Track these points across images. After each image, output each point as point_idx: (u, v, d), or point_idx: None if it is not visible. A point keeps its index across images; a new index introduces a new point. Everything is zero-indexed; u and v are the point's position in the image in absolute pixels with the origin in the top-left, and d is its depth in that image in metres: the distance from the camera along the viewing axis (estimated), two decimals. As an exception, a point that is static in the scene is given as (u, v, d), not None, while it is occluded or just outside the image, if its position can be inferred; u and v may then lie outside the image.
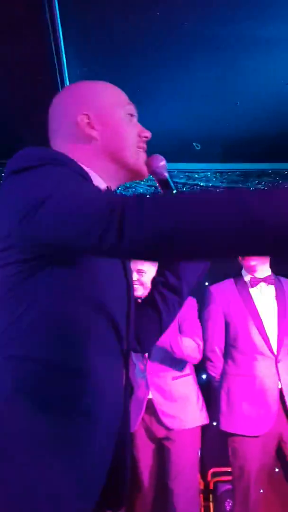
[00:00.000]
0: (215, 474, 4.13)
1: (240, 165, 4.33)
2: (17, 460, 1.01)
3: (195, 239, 0.98)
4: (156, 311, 1.48)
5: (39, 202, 1.07)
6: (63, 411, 1.09)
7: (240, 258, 3.18)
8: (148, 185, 3.86)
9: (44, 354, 1.11)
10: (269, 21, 2.73)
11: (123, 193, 4.32)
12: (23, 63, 2.90)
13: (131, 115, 1.38)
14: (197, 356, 3.15)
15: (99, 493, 1.15)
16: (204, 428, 3.23)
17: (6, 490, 1.00)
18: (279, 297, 3.14)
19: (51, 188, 1.08)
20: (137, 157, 1.36)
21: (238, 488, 2.97)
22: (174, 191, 1.42)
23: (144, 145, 1.39)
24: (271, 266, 3.22)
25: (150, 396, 3.16)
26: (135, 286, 2.96)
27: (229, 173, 4.37)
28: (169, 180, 1.42)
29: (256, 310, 3.10)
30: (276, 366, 2.99)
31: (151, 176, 1.42)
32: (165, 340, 3.04)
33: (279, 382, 2.97)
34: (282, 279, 3.25)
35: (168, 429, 3.09)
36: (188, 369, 3.20)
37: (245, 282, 3.20)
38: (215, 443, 3.61)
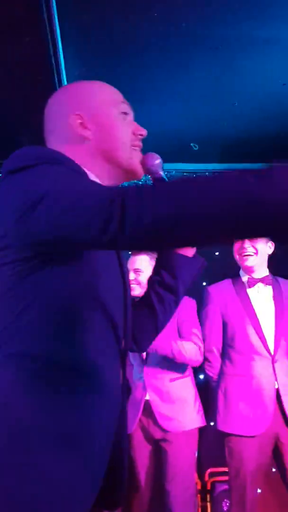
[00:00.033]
0: (212, 474, 4.13)
1: (238, 165, 4.33)
2: (17, 458, 1.02)
3: (196, 223, 0.98)
4: (152, 310, 1.49)
5: (37, 199, 1.07)
6: (63, 408, 1.09)
7: (238, 258, 3.18)
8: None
9: (44, 352, 1.12)
10: (267, 21, 2.74)
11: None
12: (20, 64, 2.91)
13: (125, 113, 1.36)
14: (198, 359, 3.13)
15: (97, 493, 1.15)
16: (201, 428, 3.22)
17: (6, 490, 1.00)
18: (277, 297, 3.14)
19: (48, 186, 1.09)
20: (131, 156, 1.35)
21: (234, 488, 2.98)
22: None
23: (140, 143, 1.38)
24: (269, 267, 3.22)
25: (147, 397, 3.14)
26: (132, 285, 2.96)
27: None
28: (165, 178, 1.41)
29: (254, 310, 3.10)
30: (273, 366, 2.99)
31: (147, 175, 1.41)
32: (166, 346, 3.03)
33: (275, 382, 2.97)
34: (280, 279, 3.25)
35: (165, 431, 3.07)
36: (186, 371, 3.18)
37: (243, 282, 3.20)
38: (213, 443, 3.61)
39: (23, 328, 1.13)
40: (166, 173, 1.42)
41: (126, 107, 1.37)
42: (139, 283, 3.12)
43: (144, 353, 3.16)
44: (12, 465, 1.01)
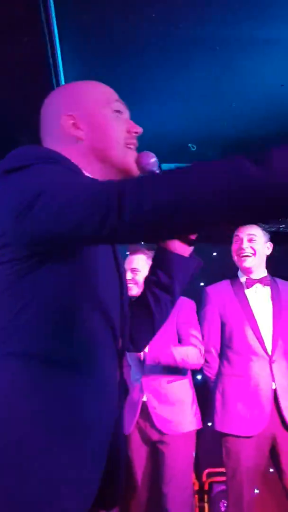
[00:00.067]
0: (210, 475, 4.13)
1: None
2: (17, 458, 1.02)
3: (196, 210, 0.99)
4: (149, 310, 1.48)
5: (34, 198, 1.07)
6: (63, 407, 1.09)
7: (236, 259, 3.18)
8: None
9: (43, 351, 1.12)
10: (266, 22, 2.74)
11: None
12: (19, 64, 2.90)
13: (119, 111, 1.35)
14: (200, 362, 3.11)
15: (96, 492, 1.15)
16: (199, 429, 3.20)
17: (6, 490, 1.00)
18: (275, 298, 3.14)
19: (44, 184, 1.09)
20: (125, 154, 1.33)
21: (232, 489, 2.97)
22: None
23: (135, 142, 1.36)
24: (267, 268, 3.22)
25: (144, 399, 3.12)
26: (129, 285, 2.94)
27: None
28: None
29: (251, 311, 3.10)
30: (271, 367, 2.99)
31: (142, 173, 1.39)
32: (168, 355, 3.01)
33: (273, 383, 2.97)
34: (278, 280, 3.25)
35: (162, 433, 3.05)
36: (184, 373, 3.16)
37: (241, 283, 3.20)
38: (211, 444, 3.61)
39: (21, 327, 1.13)
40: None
41: (119, 105, 1.36)
42: (136, 283, 3.11)
43: (142, 354, 3.14)
44: (12, 465, 1.01)
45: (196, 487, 3.98)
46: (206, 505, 4.01)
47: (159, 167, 1.38)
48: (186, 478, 3.07)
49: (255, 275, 3.16)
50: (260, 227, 3.18)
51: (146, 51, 2.92)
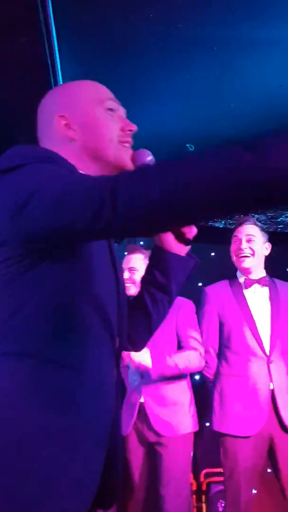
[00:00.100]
0: (207, 475, 4.13)
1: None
2: (16, 458, 1.02)
3: (190, 202, 0.99)
4: (146, 310, 1.48)
5: (28, 197, 1.08)
6: (59, 406, 1.09)
7: (235, 260, 3.18)
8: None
9: (40, 350, 1.12)
10: (265, 22, 2.74)
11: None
12: (16, 64, 2.90)
13: (111, 110, 1.35)
14: (201, 365, 3.09)
15: (95, 492, 1.15)
16: (196, 430, 3.20)
17: (6, 490, 1.00)
18: (273, 299, 3.14)
19: (39, 183, 1.10)
20: (119, 152, 1.32)
21: (229, 489, 2.97)
22: None
23: (129, 139, 1.35)
24: (265, 268, 3.22)
25: (142, 400, 3.09)
26: (126, 284, 2.94)
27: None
28: None
29: (250, 311, 3.10)
30: (268, 367, 2.99)
31: None
32: (171, 367, 2.98)
33: (270, 383, 2.98)
34: (277, 281, 3.25)
35: (159, 435, 3.03)
36: (182, 374, 3.11)
37: (240, 283, 3.20)
38: (208, 444, 3.61)
39: (18, 327, 1.13)
40: None
41: (113, 104, 1.35)
42: (133, 282, 3.10)
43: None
44: (11, 465, 1.02)
45: (194, 487, 3.98)
46: (204, 505, 4.01)
47: None
48: (183, 480, 3.04)
49: (253, 276, 3.16)
50: (259, 227, 3.18)
51: (145, 51, 2.92)
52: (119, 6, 2.59)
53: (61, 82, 3.04)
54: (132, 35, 2.79)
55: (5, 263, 1.14)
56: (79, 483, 1.08)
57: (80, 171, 1.28)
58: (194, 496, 3.89)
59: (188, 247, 1.46)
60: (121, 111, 1.37)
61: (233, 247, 3.18)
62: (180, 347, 3.12)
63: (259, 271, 3.18)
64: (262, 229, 3.22)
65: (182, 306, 3.15)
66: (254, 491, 3.18)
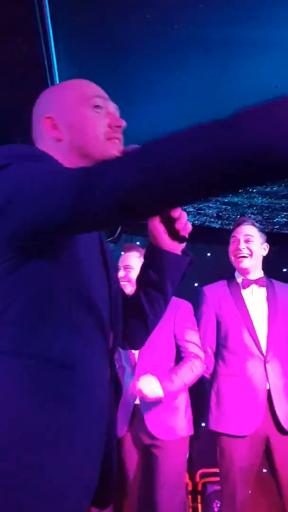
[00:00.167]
0: (203, 475, 4.14)
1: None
2: (11, 458, 1.02)
3: (166, 183, 0.98)
4: (142, 310, 1.47)
5: (12, 195, 1.09)
6: (53, 406, 1.09)
7: (233, 260, 3.18)
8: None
9: (32, 349, 1.12)
10: (259, 24, 2.75)
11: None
12: (13, 64, 2.90)
13: (98, 106, 1.34)
14: (203, 370, 3.05)
15: (94, 488, 1.15)
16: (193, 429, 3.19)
17: (3, 490, 1.00)
18: (270, 299, 3.15)
19: (22, 181, 1.10)
20: (105, 149, 1.31)
21: (225, 489, 2.98)
22: None
23: (118, 135, 1.34)
24: (263, 269, 3.23)
25: (137, 401, 3.04)
26: (122, 283, 2.91)
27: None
28: None
29: (247, 311, 3.11)
30: (265, 367, 3.00)
31: None
32: (179, 384, 2.93)
33: (267, 383, 2.98)
34: (275, 281, 3.26)
35: (154, 437, 2.97)
36: None
37: (238, 283, 3.21)
38: (204, 444, 3.62)
39: (10, 325, 1.13)
40: None
41: (99, 101, 1.34)
42: (129, 280, 3.07)
43: (136, 357, 3.12)
44: (7, 464, 1.02)
45: (190, 488, 3.98)
46: (199, 506, 4.02)
47: None
48: (179, 482, 3.00)
49: (251, 276, 3.17)
50: (257, 228, 3.19)
51: (142, 52, 2.92)
52: (115, 7, 2.59)
53: (57, 82, 3.05)
54: (129, 36, 2.80)
55: None
56: (78, 480, 1.09)
57: None
58: (189, 496, 3.90)
59: (183, 245, 1.45)
60: (111, 107, 1.36)
61: (231, 248, 3.19)
62: (178, 349, 3.09)
63: (257, 272, 3.19)
64: (260, 230, 3.23)
65: (180, 307, 3.13)
66: (249, 491, 3.17)
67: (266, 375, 2.99)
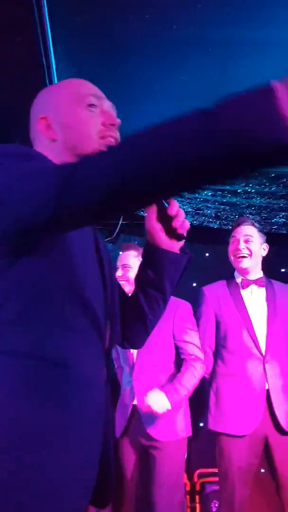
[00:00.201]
0: (201, 475, 4.14)
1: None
2: (8, 457, 1.02)
3: (146, 176, 0.97)
4: (141, 310, 1.47)
5: (0, 196, 1.08)
6: (50, 406, 1.09)
7: (233, 260, 3.18)
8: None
9: (25, 347, 1.11)
10: (259, 24, 2.75)
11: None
12: (11, 64, 2.90)
13: (93, 105, 1.34)
14: (204, 371, 3.05)
15: (92, 486, 1.15)
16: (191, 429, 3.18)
17: (3, 490, 1.00)
18: (270, 299, 3.15)
19: (7, 181, 1.10)
20: (99, 148, 1.30)
21: (224, 488, 2.98)
22: None
23: (112, 133, 1.33)
24: (263, 269, 3.24)
25: (135, 402, 3.03)
26: (120, 282, 2.90)
27: (217, 175, 4.38)
28: None
29: (246, 311, 3.11)
30: (264, 367, 3.00)
31: None
32: (182, 393, 2.92)
33: (266, 383, 2.99)
34: (274, 282, 3.26)
35: (153, 438, 2.95)
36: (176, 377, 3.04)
37: (237, 283, 3.21)
38: (202, 444, 3.62)
39: (3, 324, 1.12)
40: None
41: (93, 99, 1.34)
42: (127, 280, 3.06)
43: (134, 357, 3.11)
44: (7, 464, 1.01)
45: (188, 488, 3.98)
46: (197, 506, 4.01)
47: None
48: (177, 483, 2.98)
49: (251, 276, 3.18)
50: (257, 228, 3.19)
51: (141, 52, 2.92)
52: (114, 7, 2.59)
53: (56, 82, 3.05)
54: (128, 36, 2.80)
55: None
56: (77, 480, 1.09)
57: None
58: (187, 496, 3.89)
59: (181, 243, 1.44)
60: (106, 106, 1.36)
61: (231, 248, 3.19)
62: (177, 350, 3.08)
63: (256, 272, 3.20)
64: (260, 230, 3.23)
65: (180, 307, 3.12)
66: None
67: (265, 375, 2.99)
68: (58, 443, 1.07)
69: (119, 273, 3.12)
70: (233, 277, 3.25)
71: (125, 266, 3.15)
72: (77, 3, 2.58)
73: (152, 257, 1.44)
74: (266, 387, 2.98)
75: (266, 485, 3.38)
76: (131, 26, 2.73)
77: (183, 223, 1.39)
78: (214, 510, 3.85)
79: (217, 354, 3.15)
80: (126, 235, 4.58)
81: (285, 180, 4.37)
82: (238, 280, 3.21)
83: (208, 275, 3.62)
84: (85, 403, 1.15)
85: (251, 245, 3.13)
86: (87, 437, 1.14)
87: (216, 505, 3.81)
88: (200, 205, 4.42)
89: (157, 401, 2.84)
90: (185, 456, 3.10)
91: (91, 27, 2.74)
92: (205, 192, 4.40)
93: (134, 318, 1.49)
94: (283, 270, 4.50)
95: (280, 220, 4.47)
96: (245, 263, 3.13)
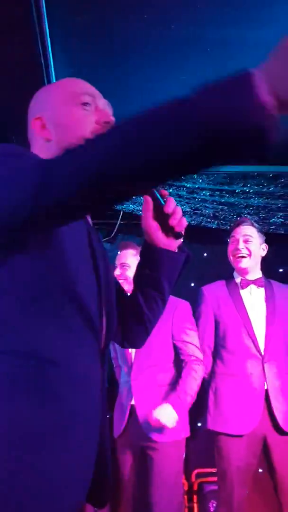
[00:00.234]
0: (199, 475, 4.14)
1: (226, 167, 4.35)
2: (4, 458, 1.01)
3: (131, 162, 0.96)
4: (141, 310, 1.46)
5: None
6: (48, 406, 1.08)
7: (232, 260, 3.18)
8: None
9: (19, 346, 1.10)
10: (258, 24, 2.75)
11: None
12: (10, 64, 2.89)
13: (86, 104, 1.34)
14: (204, 371, 3.06)
15: (88, 482, 1.14)
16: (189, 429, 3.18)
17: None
18: (269, 299, 3.16)
19: None
20: None
21: (222, 488, 2.98)
22: None
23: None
24: (262, 269, 3.24)
25: (132, 402, 3.02)
26: (119, 281, 2.87)
27: (215, 175, 4.39)
28: None
29: (246, 311, 3.11)
30: (263, 367, 3.01)
31: None
32: (187, 397, 2.93)
33: (265, 383, 2.99)
34: (273, 282, 3.27)
35: (150, 439, 2.94)
36: (175, 377, 3.05)
37: (236, 283, 3.21)
38: (200, 444, 3.62)
39: None
40: None
41: (87, 98, 1.34)
42: (125, 278, 3.05)
43: (132, 356, 3.11)
44: (4, 462, 1.01)
45: (186, 488, 3.98)
46: (195, 506, 4.01)
47: None
48: (175, 484, 2.96)
49: (250, 276, 3.18)
50: (256, 228, 3.20)
51: (139, 52, 2.92)
52: (113, 7, 2.59)
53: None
54: (126, 36, 2.79)
55: None
56: (70, 482, 1.08)
57: None
58: (185, 496, 3.89)
59: (179, 241, 1.42)
60: (100, 104, 1.36)
61: (230, 248, 3.20)
62: (175, 349, 3.07)
63: (255, 272, 3.20)
64: (259, 230, 3.23)
65: (178, 306, 3.11)
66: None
67: (264, 375, 2.99)
68: (58, 443, 1.07)
69: (117, 272, 3.11)
70: (232, 277, 3.25)
71: (123, 265, 3.14)
72: (76, 3, 2.58)
73: (150, 256, 1.43)
74: (265, 387, 2.98)
75: (264, 485, 3.38)
76: (130, 26, 2.73)
77: (180, 221, 1.38)
78: (212, 510, 3.84)
79: (216, 354, 3.16)
80: (124, 235, 4.58)
81: (283, 180, 4.38)
82: (237, 280, 3.21)
83: (206, 275, 3.62)
84: (81, 403, 1.15)
85: (250, 245, 3.14)
86: (85, 437, 1.14)
87: (214, 505, 3.80)
88: (198, 205, 4.42)
89: (165, 414, 2.82)
90: (183, 456, 3.09)
91: (89, 27, 2.74)
92: (203, 192, 4.40)
93: (133, 319, 1.48)
94: (281, 270, 4.50)
95: (278, 220, 4.47)
96: (244, 263, 3.14)
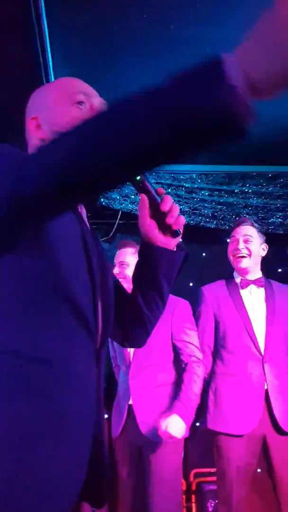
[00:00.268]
0: (197, 475, 4.14)
1: (225, 167, 4.35)
2: (6, 454, 1.01)
3: (102, 151, 0.95)
4: (140, 309, 1.45)
5: None
6: (42, 407, 1.08)
7: (232, 260, 3.18)
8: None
9: (14, 346, 1.10)
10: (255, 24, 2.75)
11: (111, 194, 4.31)
12: (8, 63, 2.89)
13: (80, 102, 1.33)
14: (203, 372, 3.05)
15: (82, 481, 1.14)
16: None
17: None
18: (269, 299, 3.16)
19: None
20: None
21: (221, 488, 2.98)
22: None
23: None
24: (262, 270, 3.24)
25: (130, 402, 3.01)
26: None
27: (214, 175, 4.39)
28: None
29: (246, 311, 3.11)
30: (263, 367, 3.01)
31: None
32: (192, 399, 2.92)
33: (265, 383, 2.99)
34: (273, 282, 3.27)
35: (148, 439, 2.92)
36: (174, 377, 3.04)
37: (236, 283, 3.21)
38: (198, 444, 3.61)
39: None
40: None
41: (82, 97, 1.34)
42: (124, 277, 3.04)
43: (131, 356, 3.11)
44: (4, 462, 1.00)
45: (184, 487, 3.98)
46: (193, 505, 4.01)
47: None
48: (174, 484, 2.95)
49: (250, 276, 3.19)
50: (256, 228, 3.20)
51: (138, 52, 2.92)
52: (112, 7, 2.59)
53: (53, 82, 3.04)
54: (125, 36, 2.79)
55: None
56: (63, 483, 1.08)
57: None
58: (184, 496, 3.89)
59: (177, 240, 1.41)
60: (96, 102, 1.35)
61: (230, 247, 3.20)
62: (174, 349, 3.07)
63: (255, 272, 3.20)
64: (260, 230, 3.24)
65: (178, 306, 3.10)
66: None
67: (264, 375, 3.00)
68: (57, 443, 1.07)
69: (116, 270, 3.11)
70: (232, 277, 3.25)
71: (122, 263, 3.14)
72: (75, 3, 2.58)
73: (148, 255, 1.41)
74: (265, 387, 2.99)
75: (263, 484, 3.38)
76: (129, 26, 2.73)
77: (177, 219, 1.36)
78: (210, 509, 3.84)
79: (216, 353, 3.16)
80: (123, 234, 4.57)
81: (282, 180, 4.38)
82: (237, 280, 3.22)
83: (205, 275, 3.62)
84: (76, 403, 1.14)
85: (250, 245, 3.14)
86: (79, 436, 1.13)
87: (212, 504, 3.81)
88: (197, 205, 4.42)
89: (174, 424, 2.80)
90: (182, 456, 3.08)
91: (89, 27, 2.74)
92: (202, 192, 4.40)
93: (133, 320, 1.47)
94: (280, 270, 4.51)
95: (277, 220, 4.47)
96: (244, 263, 3.14)
